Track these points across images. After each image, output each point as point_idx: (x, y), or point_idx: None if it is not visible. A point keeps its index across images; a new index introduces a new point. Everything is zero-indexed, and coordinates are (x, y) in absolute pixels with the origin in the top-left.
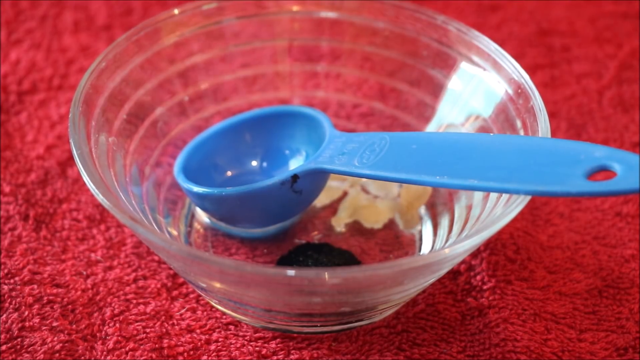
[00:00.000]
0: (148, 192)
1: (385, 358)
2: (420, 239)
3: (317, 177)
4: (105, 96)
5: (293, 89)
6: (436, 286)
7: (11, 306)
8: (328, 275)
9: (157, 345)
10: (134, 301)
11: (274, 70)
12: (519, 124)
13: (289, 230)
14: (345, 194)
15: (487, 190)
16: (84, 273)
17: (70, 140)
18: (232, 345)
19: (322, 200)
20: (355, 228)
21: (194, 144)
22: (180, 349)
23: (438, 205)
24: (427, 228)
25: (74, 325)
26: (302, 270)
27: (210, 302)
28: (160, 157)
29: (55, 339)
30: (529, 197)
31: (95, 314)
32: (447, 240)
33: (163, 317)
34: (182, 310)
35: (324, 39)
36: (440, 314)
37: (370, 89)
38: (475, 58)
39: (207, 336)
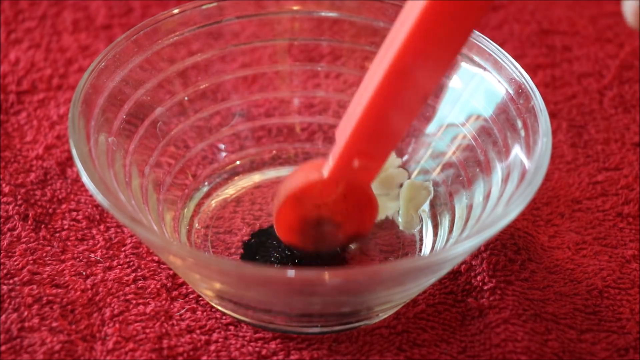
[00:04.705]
0: (148, 192)
1: (385, 358)
2: (421, 239)
3: None
4: (105, 96)
5: (293, 88)
6: (436, 286)
7: (10, 306)
8: (328, 276)
9: (156, 346)
10: (134, 301)
11: (274, 70)
12: (519, 124)
13: None
14: None
15: None
16: (84, 273)
17: (70, 141)
18: (232, 346)
19: None
20: None
21: None
22: (180, 349)
23: (439, 205)
24: (427, 228)
25: (74, 326)
26: (303, 271)
27: (210, 302)
28: (160, 157)
29: (55, 339)
30: (529, 198)
31: (95, 315)
32: (447, 241)
33: (163, 318)
34: (182, 311)
35: (325, 38)
36: (441, 315)
37: None
38: (476, 58)
39: (206, 336)
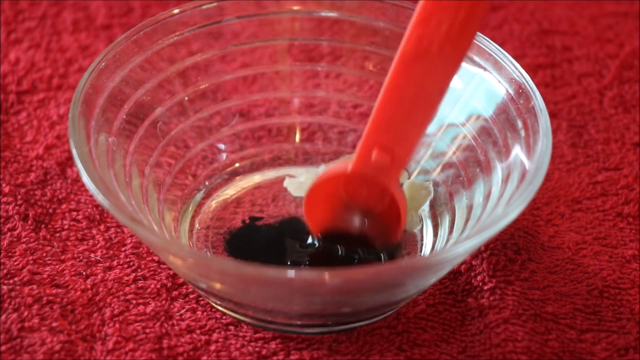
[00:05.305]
0: (148, 192)
1: (385, 358)
2: (421, 239)
3: None
4: (105, 96)
5: (293, 88)
6: (436, 286)
7: (10, 306)
8: (328, 276)
9: (156, 346)
10: (134, 301)
11: (274, 70)
12: (519, 124)
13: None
14: None
15: None
16: (84, 273)
17: (70, 141)
18: (232, 346)
19: None
20: None
21: None
22: (180, 349)
23: (439, 205)
24: (427, 228)
25: (74, 326)
26: (303, 271)
27: (210, 302)
28: (160, 157)
29: (55, 339)
30: (530, 198)
31: (95, 315)
32: (447, 241)
33: (163, 318)
34: (182, 311)
35: (325, 38)
36: (441, 315)
37: (371, 89)
38: (476, 58)
39: (207, 337)
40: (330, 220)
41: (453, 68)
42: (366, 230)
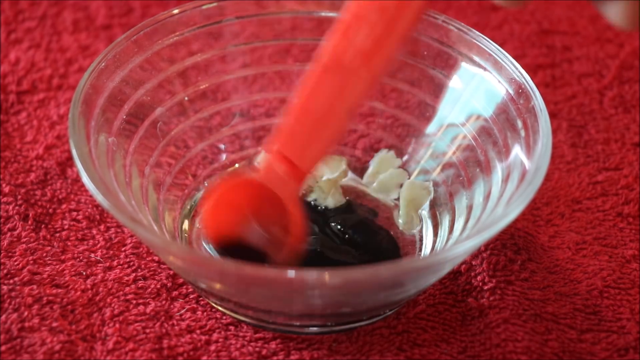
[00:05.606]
0: (148, 192)
1: (385, 358)
2: (421, 239)
3: None
4: (105, 96)
5: (293, 89)
6: (437, 286)
7: (11, 306)
8: (328, 276)
9: (156, 346)
10: (134, 301)
11: (274, 70)
12: (519, 124)
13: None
14: None
15: None
16: (84, 273)
17: (70, 141)
18: (232, 346)
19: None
20: None
21: None
22: (180, 349)
23: (439, 205)
24: (427, 228)
25: (74, 326)
26: (303, 271)
27: (210, 302)
28: (160, 157)
29: (55, 339)
30: (530, 198)
31: (95, 315)
32: (447, 241)
33: (163, 318)
34: (182, 311)
35: (325, 38)
36: (441, 315)
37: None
38: (476, 58)
39: (207, 337)
40: (232, 231)
41: (366, 87)
42: (265, 245)
